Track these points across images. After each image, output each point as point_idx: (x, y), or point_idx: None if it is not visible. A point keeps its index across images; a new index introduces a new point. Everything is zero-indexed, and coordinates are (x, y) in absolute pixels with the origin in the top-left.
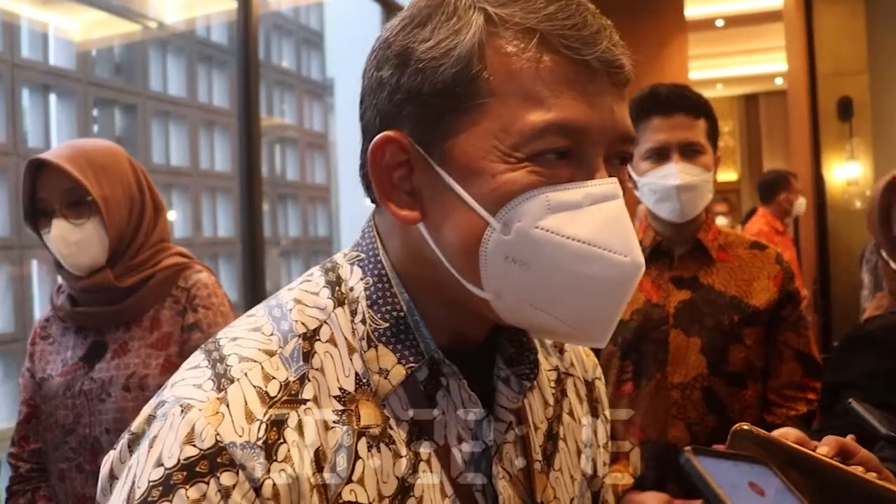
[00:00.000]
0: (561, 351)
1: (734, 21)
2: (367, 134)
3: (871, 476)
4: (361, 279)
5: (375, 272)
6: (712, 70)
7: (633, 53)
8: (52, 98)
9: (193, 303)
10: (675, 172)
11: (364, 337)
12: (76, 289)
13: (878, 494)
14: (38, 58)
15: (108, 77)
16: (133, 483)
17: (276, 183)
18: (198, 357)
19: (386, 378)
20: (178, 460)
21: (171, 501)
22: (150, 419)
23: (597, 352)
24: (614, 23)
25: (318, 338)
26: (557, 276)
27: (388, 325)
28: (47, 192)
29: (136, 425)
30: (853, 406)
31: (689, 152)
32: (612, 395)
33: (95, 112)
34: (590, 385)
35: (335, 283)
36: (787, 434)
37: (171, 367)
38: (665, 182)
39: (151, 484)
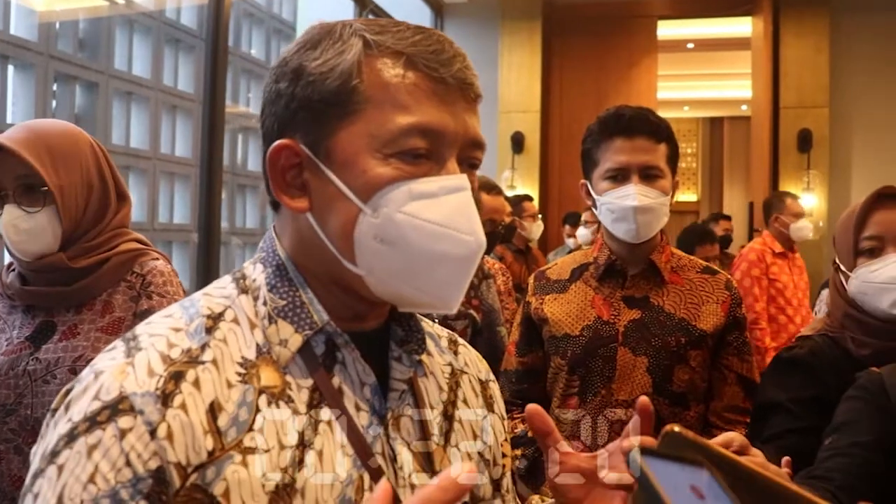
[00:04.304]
0: (455, 353)
1: (704, 45)
2: (266, 139)
3: (772, 474)
4: (262, 272)
5: (273, 263)
6: (680, 91)
7: (602, 71)
8: (10, 69)
9: (148, 290)
10: (633, 194)
11: (265, 316)
12: (27, 268)
13: (793, 500)
14: None
15: (70, 52)
16: (47, 442)
17: (236, 173)
18: (115, 343)
19: (286, 347)
20: (85, 414)
21: (71, 449)
22: (68, 392)
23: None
24: (586, 39)
25: (222, 318)
26: (416, 252)
27: (285, 302)
28: (1, 176)
29: (55, 402)
30: None
31: (649, 175)
32: (557, 409)
33: (55, 87)
34: (484, 384)
35: (240, 279)
36: (733, 439)
37: None
38: (623, 203)
39: (59, 437)
